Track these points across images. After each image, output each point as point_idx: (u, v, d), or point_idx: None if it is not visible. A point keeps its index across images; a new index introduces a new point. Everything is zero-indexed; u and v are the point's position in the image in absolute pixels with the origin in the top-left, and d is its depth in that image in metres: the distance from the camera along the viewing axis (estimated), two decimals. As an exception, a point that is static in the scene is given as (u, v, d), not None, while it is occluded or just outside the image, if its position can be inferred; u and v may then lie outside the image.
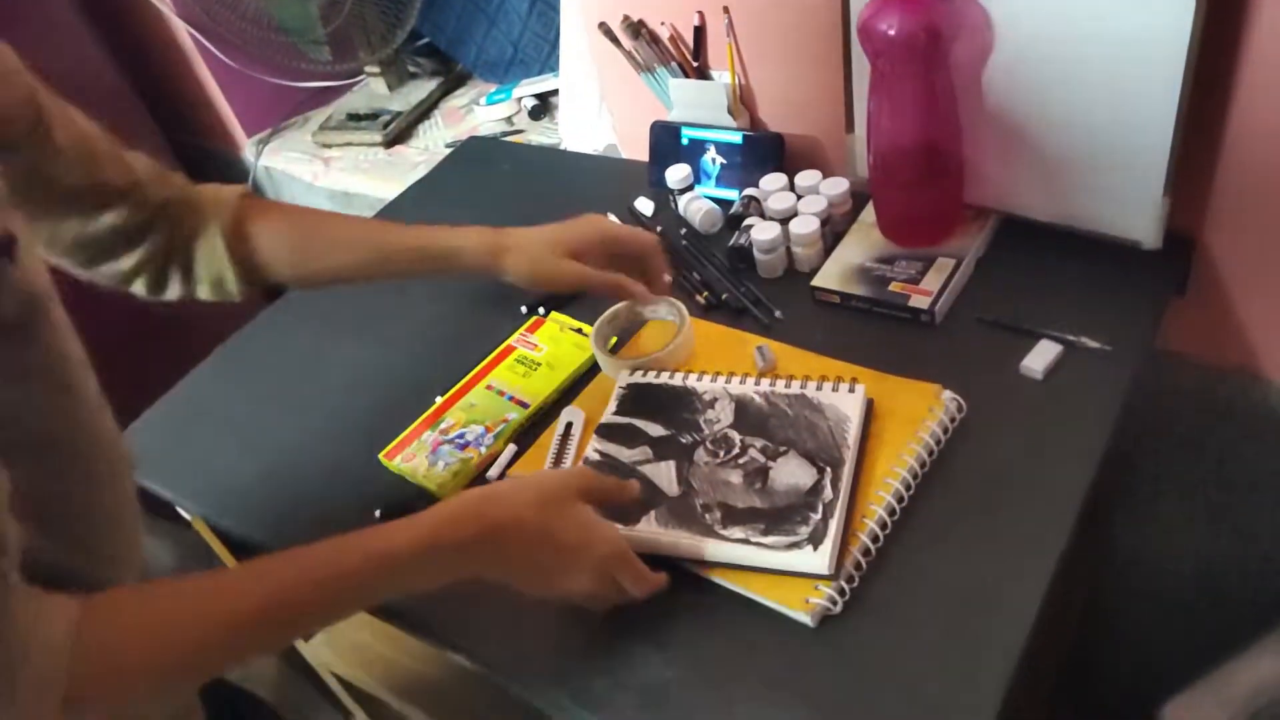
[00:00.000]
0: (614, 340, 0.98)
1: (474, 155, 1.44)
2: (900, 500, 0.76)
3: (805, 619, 0.70)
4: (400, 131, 1.76)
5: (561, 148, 1.43)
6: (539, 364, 0.98)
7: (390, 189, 1.58)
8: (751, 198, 1.08)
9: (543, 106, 1.64)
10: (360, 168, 1.72)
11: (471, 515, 0.66)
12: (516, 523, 0.66)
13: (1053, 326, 0.86)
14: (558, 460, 0.87)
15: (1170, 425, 1.04)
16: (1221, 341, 0.97)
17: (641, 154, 1.26)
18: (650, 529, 0.76)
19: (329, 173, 1.75)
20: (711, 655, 0.71)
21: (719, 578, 0.74)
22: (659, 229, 1.12)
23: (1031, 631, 0.67)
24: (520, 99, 1.67)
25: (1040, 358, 0.83)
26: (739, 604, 0.73)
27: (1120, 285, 0.89)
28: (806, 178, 1.04)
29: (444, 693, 1.25)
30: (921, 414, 0.81)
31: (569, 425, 0.90)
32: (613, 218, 1.15)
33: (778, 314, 0.96)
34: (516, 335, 1.02)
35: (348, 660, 1.30)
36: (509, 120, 1.65)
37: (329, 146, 1.80)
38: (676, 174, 1.12)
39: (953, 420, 0.80)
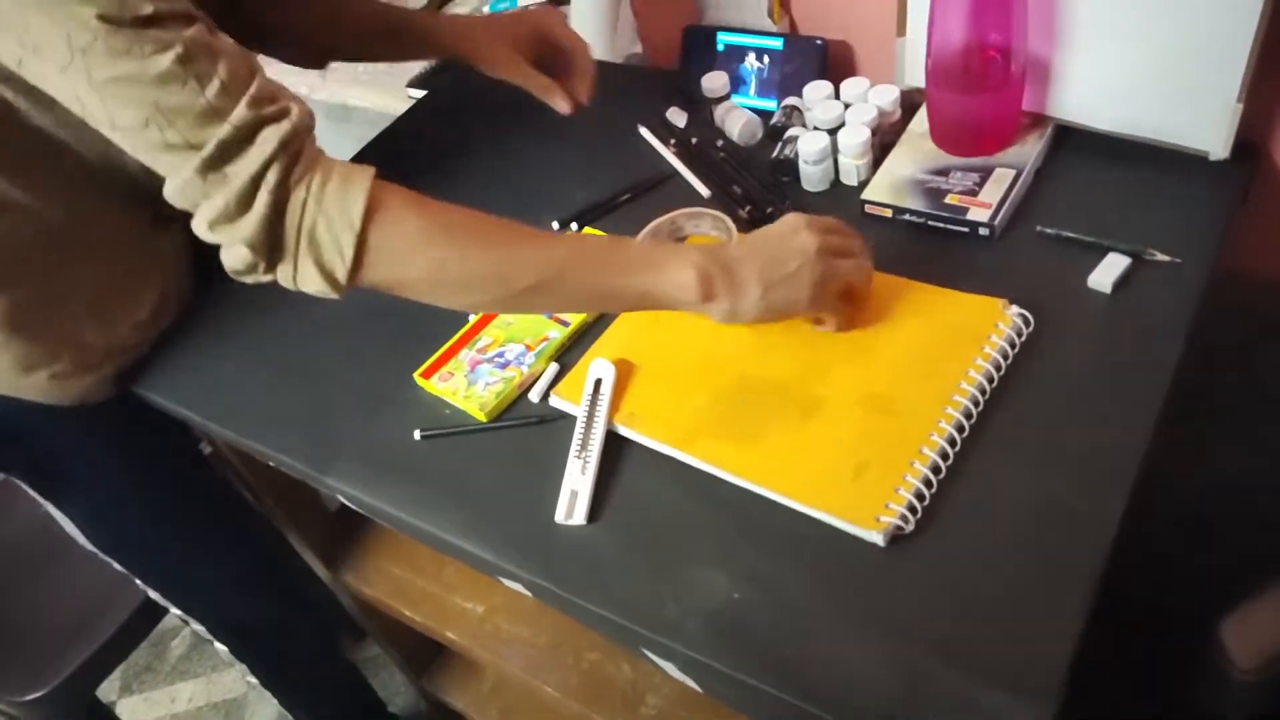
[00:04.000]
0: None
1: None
2: (969, 416, 0.74)
3: (876, 538, 0.69)
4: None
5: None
6: (577, 280, 0.94)
7: (390, 102, 1.51)
8: (793, 107, 1.03)
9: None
10: (359, 80, 1.65)
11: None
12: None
13: (1118, 239, 0.83)
14: (589, 419, 0.81)
15: (1221, 340, 1.02)
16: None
17: (668, 63, 1.20)
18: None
19: (325, 85, 1.67)
20: (780, 579, 0.69)
21: (785, 497, 0.72)
22: (693, 140, 1.07)
23: (1111, 551, 0.66)
24: (529, 4, 1.58)
25: (1108, 272, 0.80)
26: (807, 524, 0.71)
27: (1185, 196, 0.86)
28: (854, 85, 0.99)
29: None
30: (987, 329, 0.78)
31: (599, 382, 0.84)
32: (644, 130, 1.10)
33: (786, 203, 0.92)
34: (551, 251, 0.98)
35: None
36: (517, 28, 1.57)
37: (324, 58, 1.71)
38: (713, 81, 1.06)
39: (1020, 335, 0.78)
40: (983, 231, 0.87)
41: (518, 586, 0.79)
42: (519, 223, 0.75)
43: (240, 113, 0.66)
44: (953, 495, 0.71)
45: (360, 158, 1.20)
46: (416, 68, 1.58)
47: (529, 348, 0.89)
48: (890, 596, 0.67)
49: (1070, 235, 0.85)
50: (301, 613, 1.33)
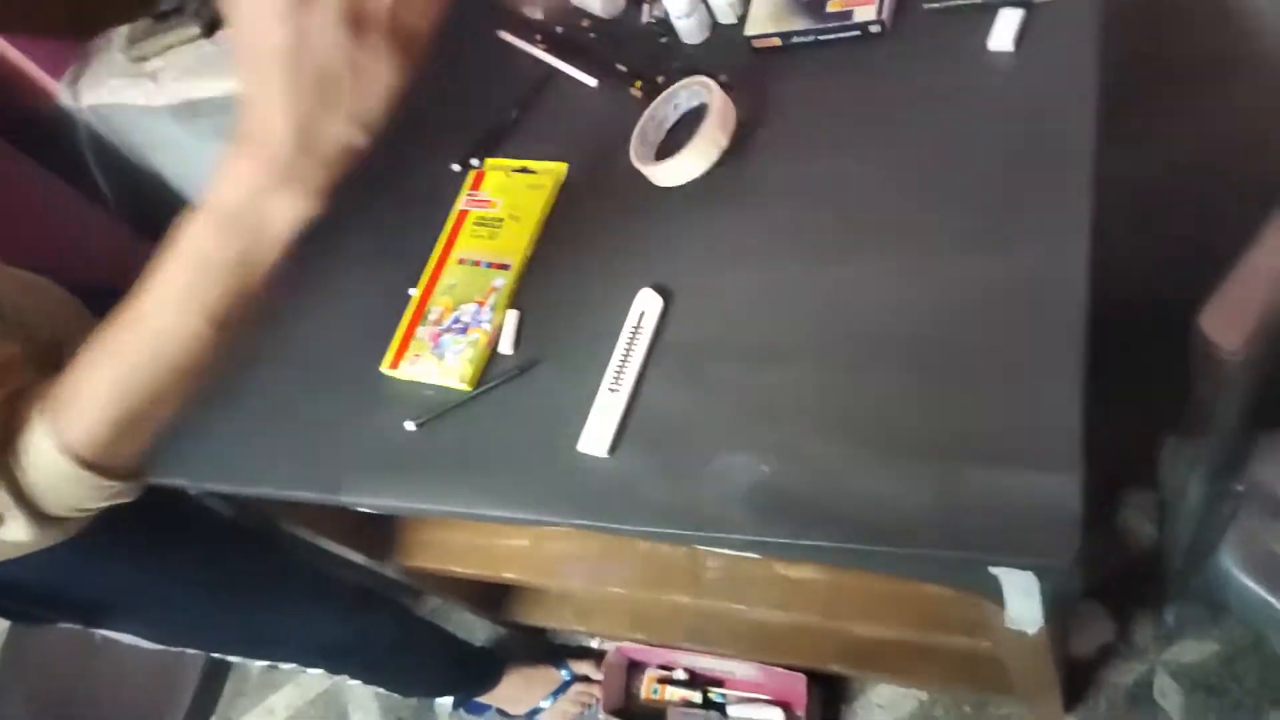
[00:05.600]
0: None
1: None
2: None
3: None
4: (217, 12, 1.55)
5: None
6: (500, 219, 0.92)
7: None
8: (643, -39, 0.98)
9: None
10: (192, 70, 1.54)
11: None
12: None
13: (1004, -9, 0.81)
14: (628, 352, 0.79)
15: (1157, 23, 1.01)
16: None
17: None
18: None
19: (161, 88, 1.57)
20: (797, 439, 0.71)
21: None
22: (558, 29, 1.02)
23: (1088, 307, 0.68)
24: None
25: (1006, 30, 0.79)
26: (800, 376, 0.73)
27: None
28: (694, -82, 0.94)
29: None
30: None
31: (642, 314, 0.81)
32: (506, 35, 1.05)
33: (722, 78, 0.90)
34: (463, 197, 0.95)
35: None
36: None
37: (146, 59, 1.60)
38: (554, -38, 1.01)
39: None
40: (874, 29, 0.85)
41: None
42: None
43: None
44: (930, 298, 0.72)
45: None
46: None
47: (480, 303, 0.88)
48: (901, 418, 0.70)
49: (957, 3, 0.83)
50: (373, 613, 1.35)
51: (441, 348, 0.87)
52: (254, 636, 1.20)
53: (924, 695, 1.38)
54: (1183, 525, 1.05)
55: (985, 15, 0.81)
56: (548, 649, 1.67)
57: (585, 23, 1.01)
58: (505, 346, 0.86)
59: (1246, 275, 0.85)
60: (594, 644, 1.65)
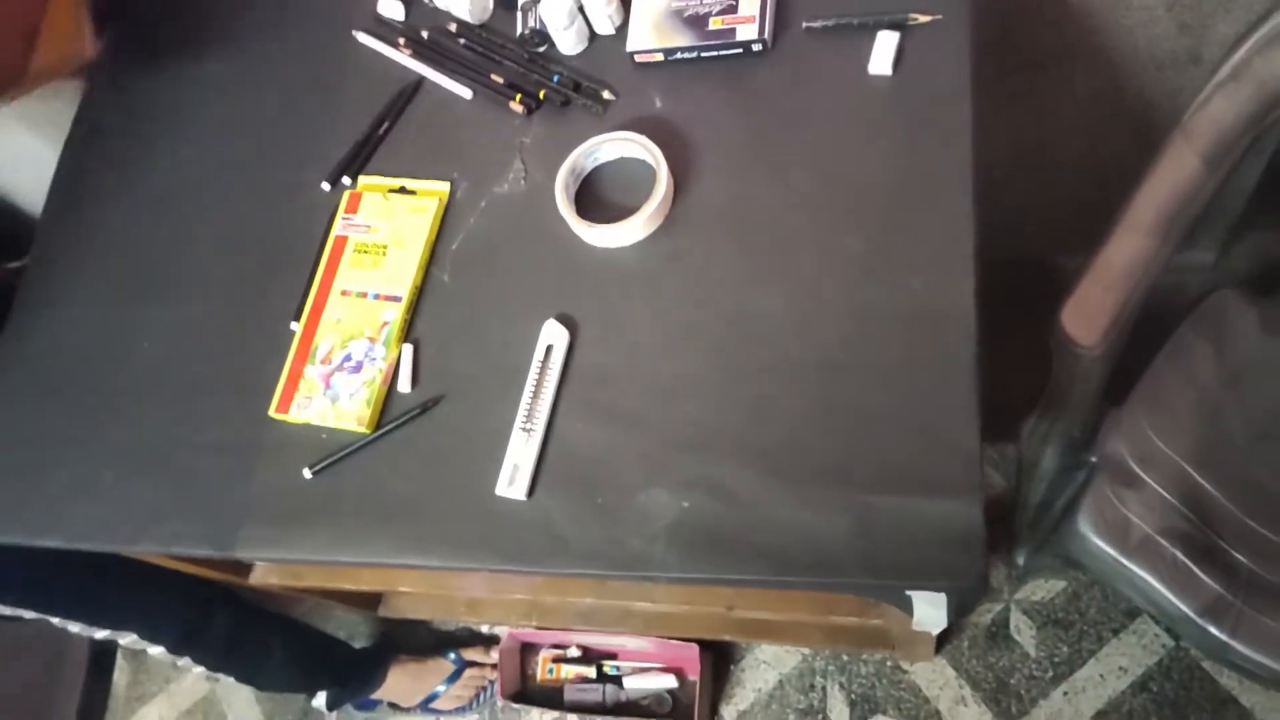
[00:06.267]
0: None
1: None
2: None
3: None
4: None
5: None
6: (383, 246, 0.88)
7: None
8: (514, -36, 0.94)
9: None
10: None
11: None
12: None
13: (880, 9, 0.83)
14: (537, 389, 0.78)
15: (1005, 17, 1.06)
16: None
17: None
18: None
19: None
20: (713, 474, 0.73)
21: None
22: (424, 34, 0.97)
23: (978, 332, 0.72)
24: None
25: (884, 54, 0.81)
26: (715, 416, 0.75)
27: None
28: (568, -77, 0.91)
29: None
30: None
31: (549, 348, 0.80)
32: (362, 37, 0.99)
33: (606, 95, 0.88)
34: (338, 223, 0.90)
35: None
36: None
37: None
38: (416, -37, 0.95)
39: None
40: (756, 48, 0.85)
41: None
42: None
43: None
44: (831, 325, 0.75)
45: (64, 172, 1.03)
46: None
47: (372, 339, 0.85)
48: (811, 447, 0.72)
49: (836, 23, 0.84)
50: (208, 603, 1.30)
51: (335, 389, 0.83)
52: (95, 607, 1.15)
53: (806, 650, 1.47)
54: (1035, 488, 1.15)
55: (864, 36, 0.83)
56: (435, 638, 1.66)
57: (452, 27, 0.96)
58: (403, 384, 0.83)
59: (1099, 273, 0.92)
60: (483, 629, 1.65)
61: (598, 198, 0.86)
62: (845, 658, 1.44)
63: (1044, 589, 1.39)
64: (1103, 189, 1.08)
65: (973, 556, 0.65)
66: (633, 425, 0.76)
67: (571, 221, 0.82)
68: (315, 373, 0.84)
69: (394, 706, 1.62)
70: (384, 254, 0.87)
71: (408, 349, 0.84)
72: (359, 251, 0.88)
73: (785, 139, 0.83)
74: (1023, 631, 1.39)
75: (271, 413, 0.84)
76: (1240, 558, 0.97)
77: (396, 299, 0.85)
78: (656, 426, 0.76)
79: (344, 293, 0.87)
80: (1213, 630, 0.94)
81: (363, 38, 0.99)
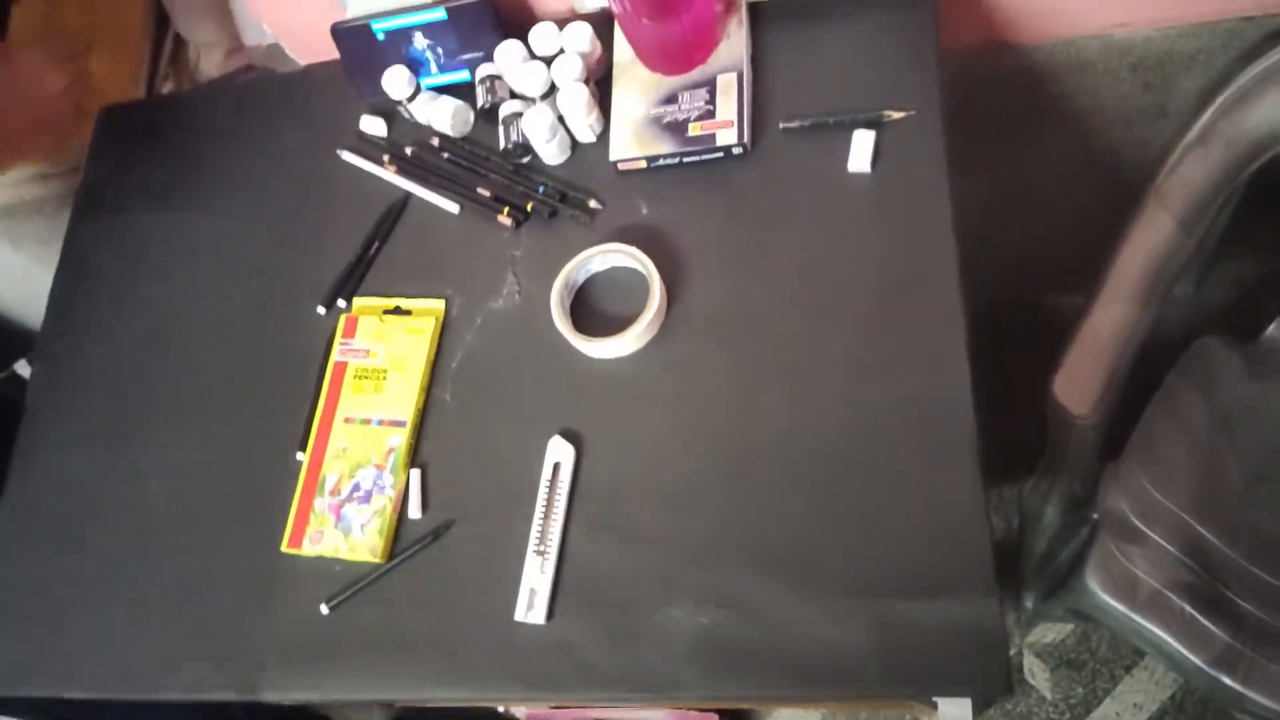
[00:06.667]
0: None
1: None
2: (815, 358, 0.78)
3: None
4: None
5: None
6: (383, 371, 0.88)
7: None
8: (492, 78, 0.95)
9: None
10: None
11: None
12: None
13: (855, 108, 0.85)
14: (548, 509, 0.79)
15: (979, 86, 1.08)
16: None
17: (320, 55, 1.07)
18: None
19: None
20: (730, 588, 0.74)
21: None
22: (409, 151, 0.98)
23: (977, 424, 0.73)
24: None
25: (861, 152, 0.83)
26: (724, 528, 0.76)
27: (892, 38, 0.88)
28: (543, 35, 0.92)
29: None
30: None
31: (556, 466, 0.80)
32: (347, 155, 1.00)
33: (593, 204, 0.90)
34: (336, 349, 0.91)
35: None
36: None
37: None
38: (396, 79, 0.96)
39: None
40: (736, 151, 0.87)
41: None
42: None
43: None
44: (832, 427, 0.76)
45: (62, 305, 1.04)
46: None
47: (379, 467, 0.85)
48: (824, 553, 0.73)
49: (812, 123, 0.86)
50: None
51: (346, 521, 0.84)
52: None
53: (825, 711, 1.47)
54: (1039, 541, 1.16)
55: (839, 131, 0.85)
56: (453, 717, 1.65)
57: (435, 141, 0.98)
58: (414, 510, 0.84)
59: (1086, 342, 0.94)
60: (499, 709, 1.64)
61: (592, 308, 0.87)
62: (864, 714, 1.45)
63: (1054, 630, 1.40)
64: (1080, 232, 1.11)
65: (996, 660, 0.66)
66: (645, 541, 0.77)
67: (570, 337, 0.83)
68: (324, 505, 0.85)
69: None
70: (384, 378, 0.88)
71: (416, 474, 0.85)
72: (359, 378, 0.89)
73: (772, 241, 0.84)
74: (1037, 675, 1.40)
75: (284, 549, 0.84)
76: (1247, 606, 0.98)
77: (400, 424, 0.86)
78: (669, 541, 0.77)
79: (348, 420, 0.87)
80: (1225, 680, 0.96)
81: (347, 156, 1.00)
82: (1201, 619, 0.97)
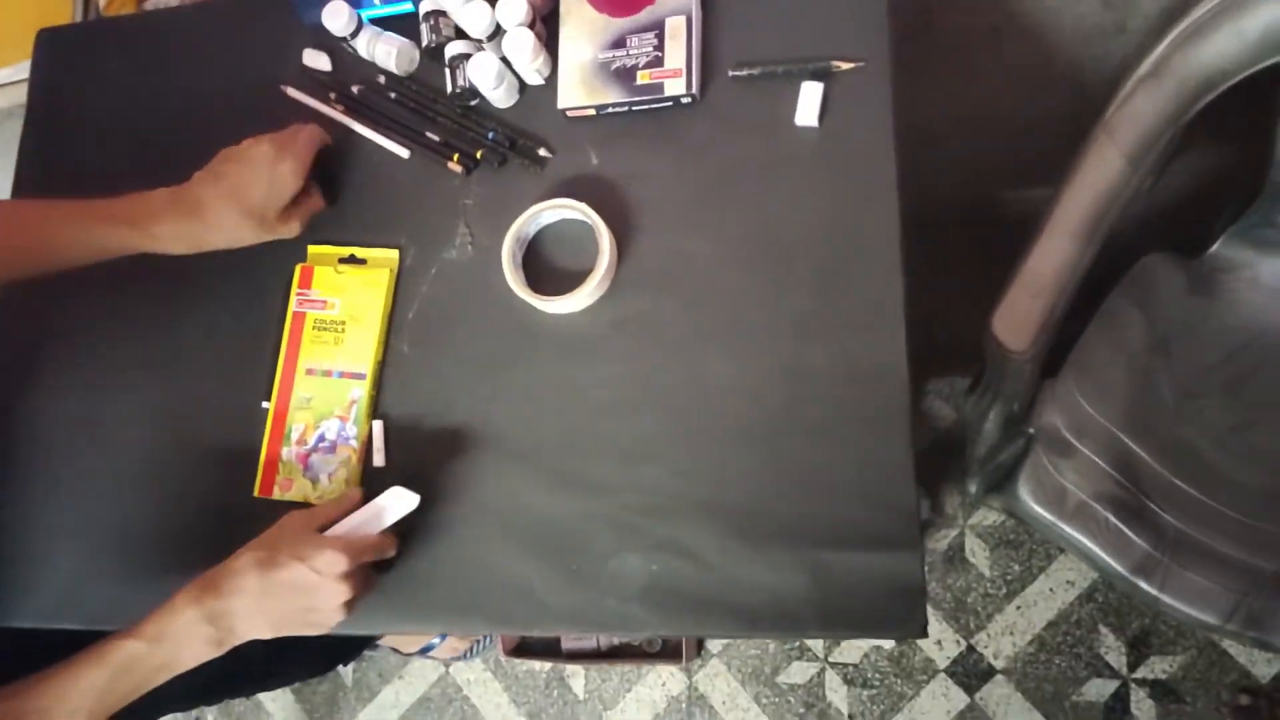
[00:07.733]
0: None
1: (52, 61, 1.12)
2: (759, 318, 0.80)
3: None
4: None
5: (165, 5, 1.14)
6: (341, 322, 0.90)
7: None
8: (436, 14, 0.92)
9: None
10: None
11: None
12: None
13: (804, 57, 0.84)
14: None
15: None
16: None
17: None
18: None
19: None
20: (677, 537, 0.79)
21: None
22: (355, 89, 0.96)
23: (911, 388, 0.77)
24: None
25: (809, 106, 0.83)
26: (678, 483, 0.81)
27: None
28: (485, -27, 0.89)
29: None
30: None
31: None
32: (294, 92, 0.98)
33: (542, 153, 0.89)
34: (294, 300, 0.92)
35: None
36: None
37: None
38: (336, 18, 0.93)
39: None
40: (685, 101, 0.86)
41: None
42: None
43: None
44: (776, 384, 0.80)
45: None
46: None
47: (342, 418, 0.88)
48: (765, 506, 0.78)
49: (761, 71, 0.85)
50: None
51: (314, 469, 0.88)
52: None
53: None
54: (979, 447, 1.23)
55: (787, 81, 0.84)
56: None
57: (382, 79, 0.96)
58: (378, 459, 0.88)
59: (1027, 280, 0.97)
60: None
61: (544, 261, 0.88)
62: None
63: (995, 514, 1.50)
64: (1037, 136, 1.12)
65: (915, 608, 0.73)
66: (599, 492, 0.82)
67: (523, 294, 0.85)
68: (291, 454, 0.89)
69: (395, 650, 1.73)
70: (343, 330, 0.90)
71: (378, 425, 0.88)
72: (318, 328, 0.91)
73: (719, 194, 0.85)
74: (977, 554, 1.50)
75: (256, 494, 0.89)
76: (1168, 518, 1.06)
77: (360, 376, 0.89)
78: (621, 492, 0.81)
79: (309, 371, 0.90)
80: (1144, 585, 1.04)
81: (293, 92, 0.98)
82: (1124, 529, 1.05)
